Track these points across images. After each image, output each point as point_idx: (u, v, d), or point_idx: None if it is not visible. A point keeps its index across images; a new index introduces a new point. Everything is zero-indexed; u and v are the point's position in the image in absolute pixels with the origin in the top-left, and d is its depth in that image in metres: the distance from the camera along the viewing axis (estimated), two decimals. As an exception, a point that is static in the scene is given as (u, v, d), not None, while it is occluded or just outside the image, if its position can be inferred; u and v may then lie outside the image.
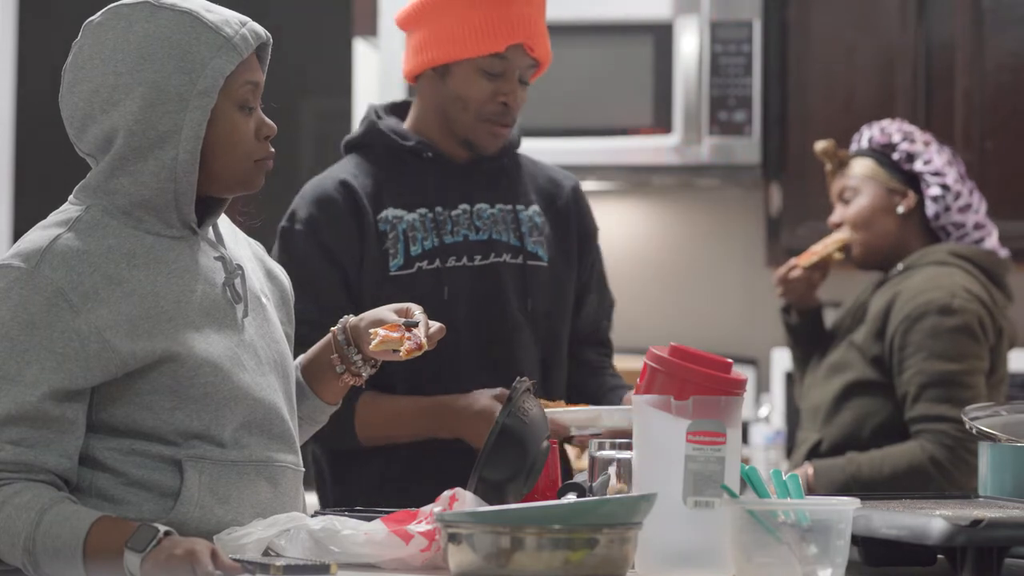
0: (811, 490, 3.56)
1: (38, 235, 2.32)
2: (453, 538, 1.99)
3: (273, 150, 2.40)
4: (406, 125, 3.16)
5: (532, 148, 4.63)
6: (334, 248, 3.02)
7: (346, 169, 3.12)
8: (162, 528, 2.17)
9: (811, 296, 3.85)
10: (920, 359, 3.57)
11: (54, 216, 2.36)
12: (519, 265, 3.13)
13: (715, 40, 4.57)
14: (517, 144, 3.20)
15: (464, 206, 3.12)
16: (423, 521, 2.19)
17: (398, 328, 2.44)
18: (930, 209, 3.73)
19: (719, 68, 4.57)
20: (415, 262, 3.05)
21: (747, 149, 4.56)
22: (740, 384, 2.18)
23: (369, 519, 2.23)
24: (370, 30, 4.77)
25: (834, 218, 3.82)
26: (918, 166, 3.74)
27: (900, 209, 3.75)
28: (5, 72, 5.18)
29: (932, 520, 2.06)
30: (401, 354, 2.43)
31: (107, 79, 2.32)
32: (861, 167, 3.79)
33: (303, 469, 2.47)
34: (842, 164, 3.82)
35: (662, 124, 4.58)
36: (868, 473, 3.56)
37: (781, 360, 4.74)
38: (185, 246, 2.36)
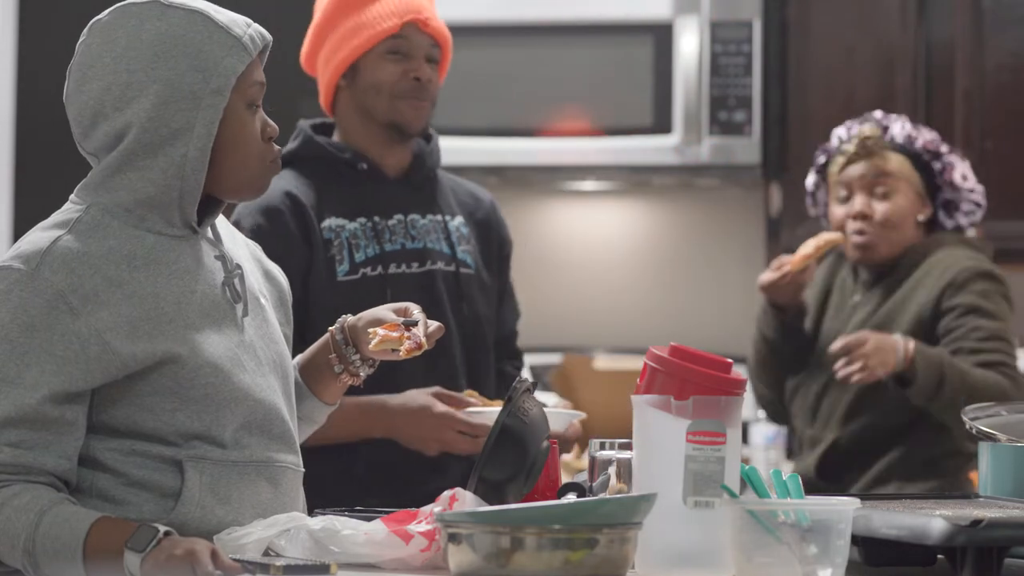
0: (911, 361, 3.54)
1: (38, 236, 2.32)
2: (453, 538, 1.99)
3: (279, 148, 2.41)
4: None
5: (532, 148, 4.65)
6: (281, 257, 3.05)
7: (286, 181, 3.18)
8: (162, 528, 2.17)
9: (799, 296, 3.82)
10: (975, 318, 3.60)
11: (54, 217, 2.36)
12: (452, 272, 3.24)
13: (715, 40, 4.57)
14: (438, 162, 3.33)
15: (399, 216, 3.23)
16: (423, 521, 2.19)
17: (397, 327, 2.45)
18: (963, 220, 3.74)
19: (719, 68, 4.57)
20: (360, 268, 3.14)
21: (747, 149, 4.56)
22: (740, 384, 2.18)
23: (369, 519, 2.23)
24: (370, 30, 4.76)
25: (861, 206, 3.70)
26: (957, 179, 3.71)
27: (920, 217, 3.73)
28: (5, 72, 5.18)
29: (932, 520, 2.06)
30: (401, 353, 2.43)
31: (120, 76, 2.32)
32: (899, 164, 3.71)
33: (303, 469, 2.47)
34: (872, 153, 3.71)
35: (662, 124, 4.58)
36: (964, 374, 3.56)
37: (781, 360, 4.74)
38: (186, 245, 2.36)
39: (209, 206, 2.40)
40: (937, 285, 3.64)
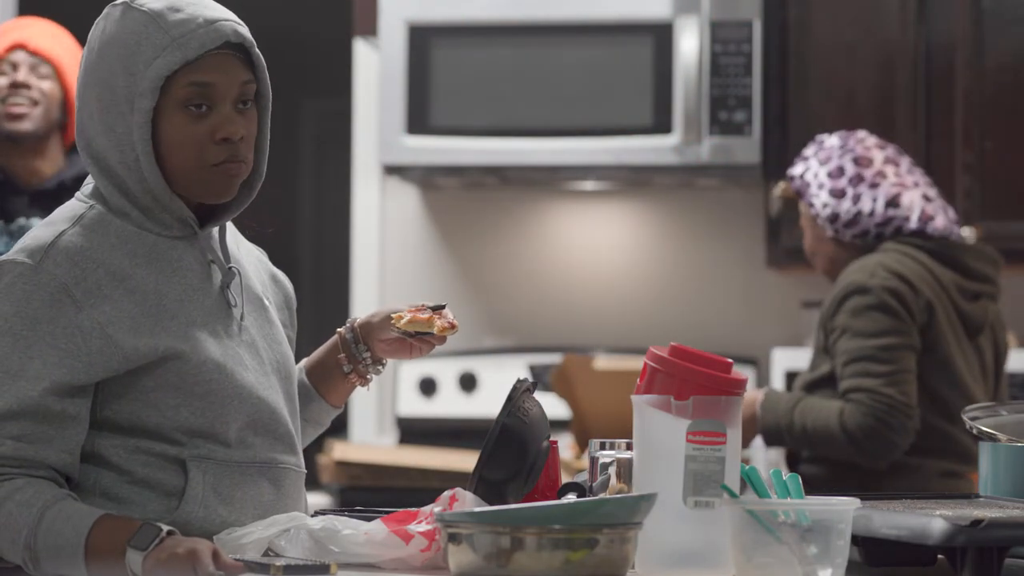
0: (752, 419, 3.65)
1: (44, 231, 2.33)
2: (453, 538, 1.99)
3: (236, 153, 2.34)
4: None
5: (532, 148, 4.65)
6: None
7: None
8: (164, 527, 2.17)
9: None
10: (844, 340, 3.61)
11: (61, 212, 2.38)
12: None
13: (715, 40, 4.57)
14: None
15: (21, 220, 3.92)
16: (423, 521, 2.19)
17: (423, 309, 2.47)
18: (827, 229, 3.79)
19: (719, 68, 4.56)
20: None
21: (747, 149, 4.55)
22: (740, 384, 2.19)
23: (369, 519, 2.24)
24: (370, 30, 4.77)
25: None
26: (818, 208, 3.79)
27: (829, 234, 3.80)
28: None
29: (932, 520, 2.06)
30: (435, 331, 2.45)
31: (81, 78, 2.36)
32: (800, 206, 3.89)
33: (305, 471, 2.47)
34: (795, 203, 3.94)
35: (662, 124, 4.58)
36: (798, 421, 3.63)
37: (781, 360, 4.74)
38: (186, 245, 2.36)
39: (217, 209, 2.40)
40: (825, 306, 3.70)
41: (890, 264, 3.65)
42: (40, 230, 2.34)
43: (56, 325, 2.25)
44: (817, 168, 3.80)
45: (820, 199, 3.78)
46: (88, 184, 2.40)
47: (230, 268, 2.40)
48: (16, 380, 2.24)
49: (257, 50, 2.36)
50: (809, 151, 3.85)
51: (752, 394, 3.69)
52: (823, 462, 3.69)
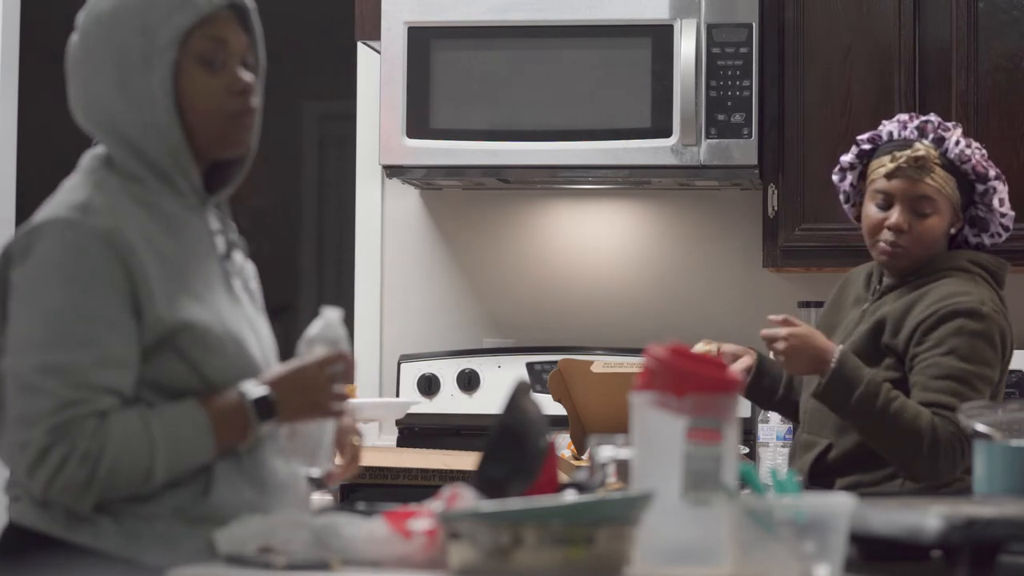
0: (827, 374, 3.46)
1: (70, 196, 2.35)
2: (454, 535, 2.01)
3: (250, 104, 2.43)
4: None
5: (531, 150, 4.66)
6: None
7: None
8: (261, 392, 2.32)
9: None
10: (938, 354, 3.46)
11: (72, 189, 2.39)
12: None
13: (713, 42, 4.59)
14: None
15: None
16: (424, 518, 2.21)
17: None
18: (987, 240, 3.64)
19: (717, 70, 4.58)
20: None
21: (745, 151, 4.57)
22: (738, 383, 2.20)
23: (370, 516, 2.25)
24: (373, 34, 4.79)
25: (899, 220, 3.59)
26: (995, 204, 3.61)
27: (952, 231, 3.63)
28: (9, 71, 5.19)
29: (928, 518, 2.08)
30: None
31: (87, 54, 2.39)
32: (943, 183, 3.61)
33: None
34: (921, 170, 3.60)
35: (660, 126, 4.60)
36: (885, 396, 3.41)
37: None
38: (197, 218, 2.42)
39: (218, 177, 2.46)
40: (918, 316, 3.52)
41: (995, 299, 3.55)
42: (66, 196, 2.36)
43: (111, 270, 2.29)
44: (1000, 177, 3.63)
45: (1007, 206, 3.62)
46: (85, 164, 2.43)
47: (232, 242, 2.47)
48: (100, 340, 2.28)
49: (256, 15, 2.45)
50: (956, 131, 3.62)
51: (824, 339, 3.51)
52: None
